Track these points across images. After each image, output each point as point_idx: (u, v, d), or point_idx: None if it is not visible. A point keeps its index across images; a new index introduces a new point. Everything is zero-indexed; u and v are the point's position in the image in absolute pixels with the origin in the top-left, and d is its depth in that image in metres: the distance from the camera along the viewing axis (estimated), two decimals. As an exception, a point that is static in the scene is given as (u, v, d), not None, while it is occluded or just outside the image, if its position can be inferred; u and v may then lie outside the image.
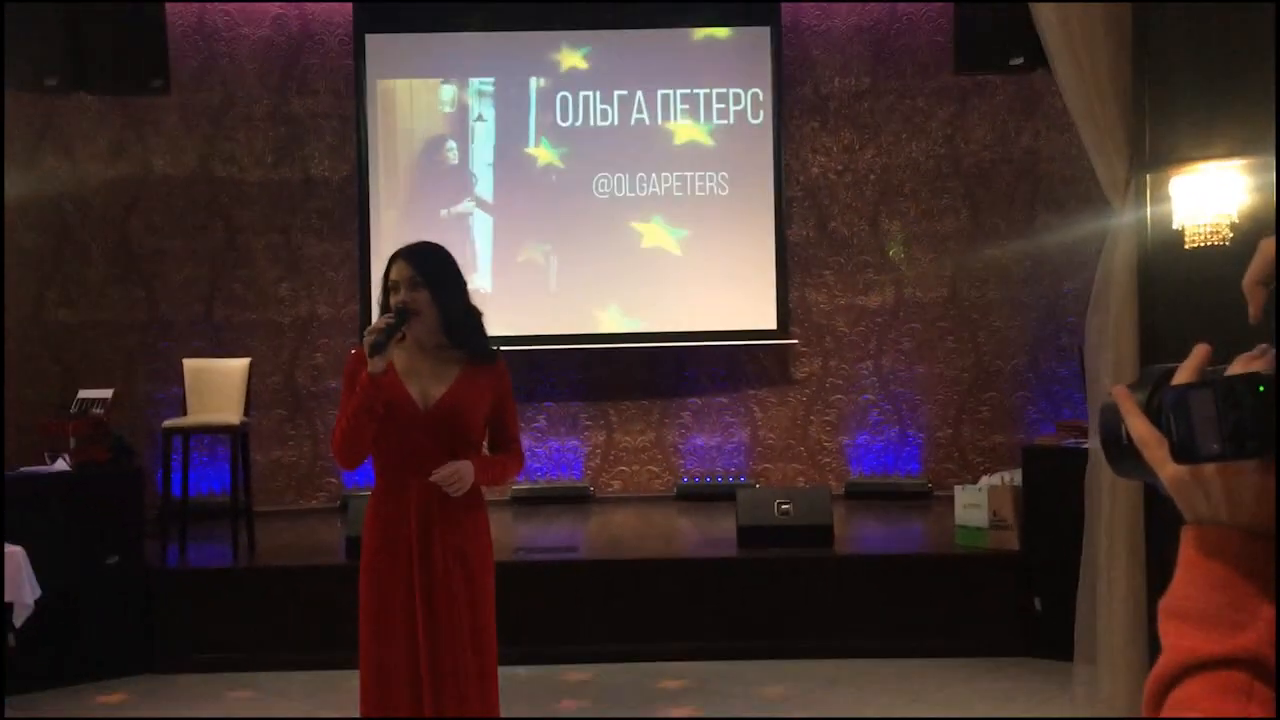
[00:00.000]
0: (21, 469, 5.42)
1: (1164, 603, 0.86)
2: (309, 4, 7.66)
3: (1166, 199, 3.55)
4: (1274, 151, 3.25)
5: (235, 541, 5.90)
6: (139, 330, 7.42)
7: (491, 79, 7.70)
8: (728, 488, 7.21)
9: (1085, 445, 4.60)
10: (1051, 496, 5.17)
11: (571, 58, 7.70)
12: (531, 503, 7.54)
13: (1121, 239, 3.64)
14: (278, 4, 7.63)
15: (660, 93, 7.68)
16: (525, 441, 7.65)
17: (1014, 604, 5.32)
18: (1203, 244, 3.39)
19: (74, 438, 5.44)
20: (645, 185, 7.68)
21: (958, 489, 5.81)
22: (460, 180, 7.70)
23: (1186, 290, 3.49)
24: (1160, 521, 3.58)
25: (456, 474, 2.79)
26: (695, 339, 7.65)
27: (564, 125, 7.69)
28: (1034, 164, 7.51)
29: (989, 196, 7.61)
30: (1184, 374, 0.86)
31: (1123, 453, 0.91)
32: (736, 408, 7.85)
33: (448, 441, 2.84)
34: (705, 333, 7.65)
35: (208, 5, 7.50)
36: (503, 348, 7.43)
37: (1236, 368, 0.85)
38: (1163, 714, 0.80)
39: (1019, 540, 5.42)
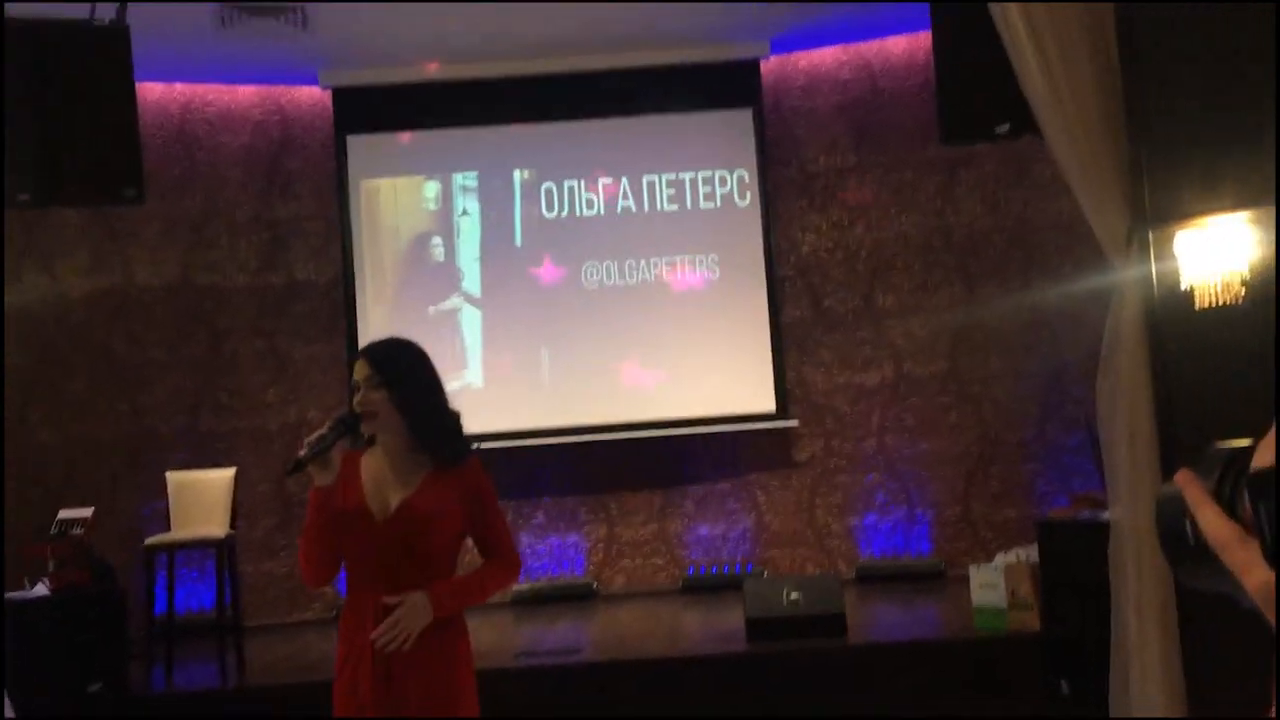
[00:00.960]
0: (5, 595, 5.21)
1: None
2: (289, 109, 7.64)
3: (1171, 256, 3.42)
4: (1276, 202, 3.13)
5: (223, 660, 5.66)
6: (124, 444, 7.24)
7: (475, 173, 7.65)
8: (734, 578, 6.99)
9: (1104, 517, 4.42)
10: (1071, 573, 4.97)
11: (553, 149, 7.66)
12: (533, 603, 7.30)
13: (1128, 296, 3.50)
14: (259, 112, 7.60)
15: (645, 178, 7.63)
16: (524, 539, 7.54)
17: (1039, 687, 5.07)
18: (1214, 304, 3.25)
19: (53, 560, 5.25)
20: (635, 273, 7.59)
21: (972, 569, 5.59)
22: (447, 276, 7.61)
23: (1201, 352, 3.34)
24: (1194, 599, 3.38)
25: (399, 623, 2.51)
26: (693, 425, 7.48)
27: (549, 216, 7.62)
28: (1027, 232, 7.42)
29: (982, 267, 7.52)
30: (1268, 452, 0.69)
31: (1189, 554, 0.74)
32: (739, 494, 7.65)
33: (408, 553, 2.61)
34: (703, 419, 7.48)
35: (188, 115, 7.47)
36: (497, 444, 7.33)
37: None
38: None
39: (1039, 620, 5.19)
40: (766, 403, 7.51)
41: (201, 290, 7.47)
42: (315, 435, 2.56)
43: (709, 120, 7.69)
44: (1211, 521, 0.70)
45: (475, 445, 2.78)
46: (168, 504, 6.03)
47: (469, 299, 7.60)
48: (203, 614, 6.72)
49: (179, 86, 7.46)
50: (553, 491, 7.65)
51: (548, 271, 7.60)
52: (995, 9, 3.80)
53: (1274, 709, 0.66)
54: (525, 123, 7.67)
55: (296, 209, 7.62)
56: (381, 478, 2.67)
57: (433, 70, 7.51)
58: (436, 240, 7.64)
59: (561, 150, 7.66)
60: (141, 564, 5.80)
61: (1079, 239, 6.98)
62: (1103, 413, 3.76)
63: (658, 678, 5.28)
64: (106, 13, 5.21)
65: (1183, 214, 3.38)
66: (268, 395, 7.48)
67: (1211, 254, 3.28)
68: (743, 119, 7.64)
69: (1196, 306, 3.32)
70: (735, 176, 7.64)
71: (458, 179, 7.65)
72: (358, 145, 7.58)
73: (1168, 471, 3.53)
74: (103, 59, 5.13)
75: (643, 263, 7.59)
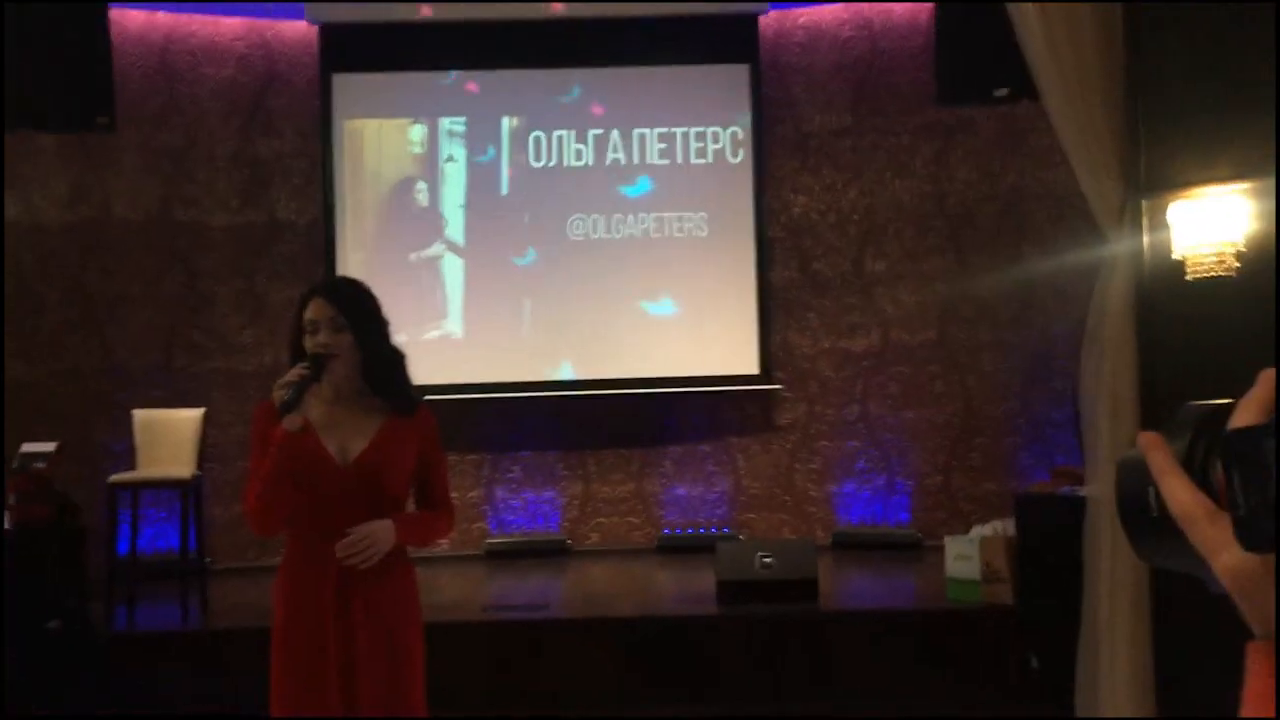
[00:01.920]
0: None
1: None
2: (275, 44, 7.45)
3: (1165, 226, 3.31)
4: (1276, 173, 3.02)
5: (184, 602, 5.58)
6: (94, 380, 7.12)
7: (463, 118, 7.49)
8: (710, 539, 6.91)
9: (1082, 493, 4.34)
10: (1047, 547, 4.90)
11: (543, 97, 7.49)
12: (507, 557, 7.23)
13: (1118, 270, 3.39)
14: (243, 45, 7.42)
15: (636, 131, 7.47)
16: (499, 493, 7.46)
17: (1009, 661, 5.02)
18: (1206, 274, 3.14)
19: (14, 494, 5.14)
20: (622, 227, 7.45)
21: (948, 540, 5.53)
22: (430, 222, 7.46)
23: (1189, 325, 3.24)
24: (1168, 579, 3.31)
25: (368, 538, 2.51)
26: (676, 385, 7.39)
27: (537, 165, 7.47)
28: (1019, 201, 7.30)
29: (974, 236, 7.40)
30: (1247, 413, 0.58)
31: (1151, 527, 0.63)
32: (719, 456, 7.57)
33: (369, 500, 2.57)
34: (686, 378, 7.38)
35: (170, 45, 7.29)
36: (475, 396, 7.23)
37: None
38: None
39: (1013, 593, 5.13)
40: (750, 365, 7.41)
41: (179, 226, 7.32)
42: (293, 376, 2.50)
43: (704, 74, 7.53)
44: (1177, 492, 0.60)
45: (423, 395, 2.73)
46: (134, 442, 5.92)
47: (452, 247, 7.46)
48: (169, 554, 6.63)
49: (161, 15, 7.27)
50: (530, 446, 7.56)
51: (533, 222, 7.46)
52: (998, -34, 3.67)
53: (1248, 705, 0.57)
54: (516, 68, 7.49)
55: (279, 147, 7.46)
56: (334, 423, 2.60)
57: (424, 11, 7.33)
58: (421, 185, 7.49)
59: (552, 99, 7.49)
60: (105, 502, 5.70)
61: (1072, 210, 6.87)
62: (1086, 386, 3.66)
63: (625, 637, 5.22)
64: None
65: (1179, 184, 3.27)
66: (243, 336, 7.36)
67: (1206, 225, 3.17)
68: (739, 74, 7.48)
69: (1188, 277, 3.21)
70: (729, 133, 7.49)
71: (444, 123, 7.49)
72: (343, 84, 7.40)
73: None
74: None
75: (630, 217, 7.46)
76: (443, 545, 7.35)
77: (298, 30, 7.45)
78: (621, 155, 7.48)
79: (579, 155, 7.48)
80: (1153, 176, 3.35)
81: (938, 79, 7.30)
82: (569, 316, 7.43)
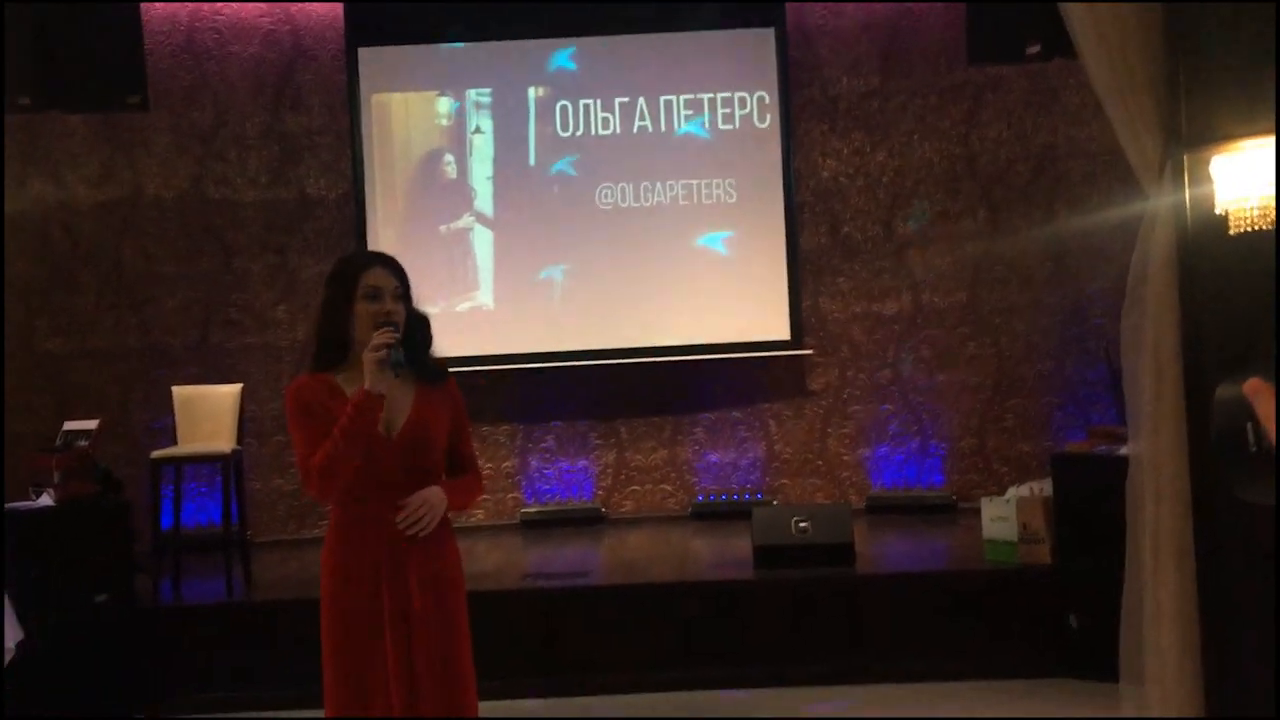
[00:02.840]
0: (5, 505, 5.19)
1: None
2: (300, 20, 7.45)
3: (1207, 180, 3.27)
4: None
5: (229, 574, 5.66)
6: (132, 358, 7.20)
7: (489, 89, 7.48)
8: (744, 505, 6.94)
9: (1120, 452, 4.32)
10: (1084, 507, 4.89)
11: (569, 65, 7.47)
12: (542, 526, 7.28)
13: (1158, 225, 3.36)
14: (268, 21, 7.42)
15: (663, 98, 7.45)
16: (533, 463, 7.50)
17: (1048, 622, 5.03)
18: (1250, 229, 3.11)
19: (58, 472, 5.22)
20: (650, 195, 7.44)
21: (984, 501, 5.52)
22: (459, 194, 7.47)
23: (1233, 281, 3.21)
24: (1211, 531, 3.30)
25: (426, 504, 2.57)
26: (706, 351, 7.39)
27: (564, 135, 7.46)
28: (1052, 160, 7.23)
29: (1007, 196, 7.34)
30: None
31: (1249, 461, 0.64)
32: (751, 422, 7.58)
33: (414, 469, 2.61)
34: (717, 345, 7.38)
35: (196, 25, 7.30)
36: (507, 367, 7.27)
37: None
38: None
39: (1051, 554, 5.13)
40: (781, 330, 7.40)
41: (212, 204, 7.37)
42: (387, 339, 2.51)
43: (730, 39, 7.48)
44: None
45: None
46: (174, 418, 5.98)
47: (481, 218, 7.47)
48: (210, 528, 6.72)
49: (187, -6, 7.28)
50: (563, 415, 7.59)
51: (562, 191, 7.46)
52: (1032, -82, 3.62)
53: None
54: (541, 38, 7.47)
55: (307, 122, 7.48)
56: None
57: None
58: (449, 158, 7.50)
59: (578, 67, 7.47)
60: (148, 477, 5.77)
61: (1106, 168, 6.82)
62: (1127, 344, 3.64)
63: (665, 602, 5.25)
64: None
65: (1220, 137, 3.23)
66: (277, 312, 7.41)
67: (1249, 179, 3.13)
68: (765, 38, 7.43)
69: (1231, 232, 3.18)
70: (755, 98, 7.44)
71: (471, 95, 7.48)
72: (369, 58, 7.41)
73: (1192, 405, 3.42)
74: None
75: (659, 184, 7.44)
76: (478, 515, 7.41)
77: (323, 5, 7.45)
78: (649, 123, 7.45)
79: (606, 124, 7.46)
80: (1193, 130, 3.32)
81: (968, 36, 7.22)
82: (598, 286, 7.43)
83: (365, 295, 2.61)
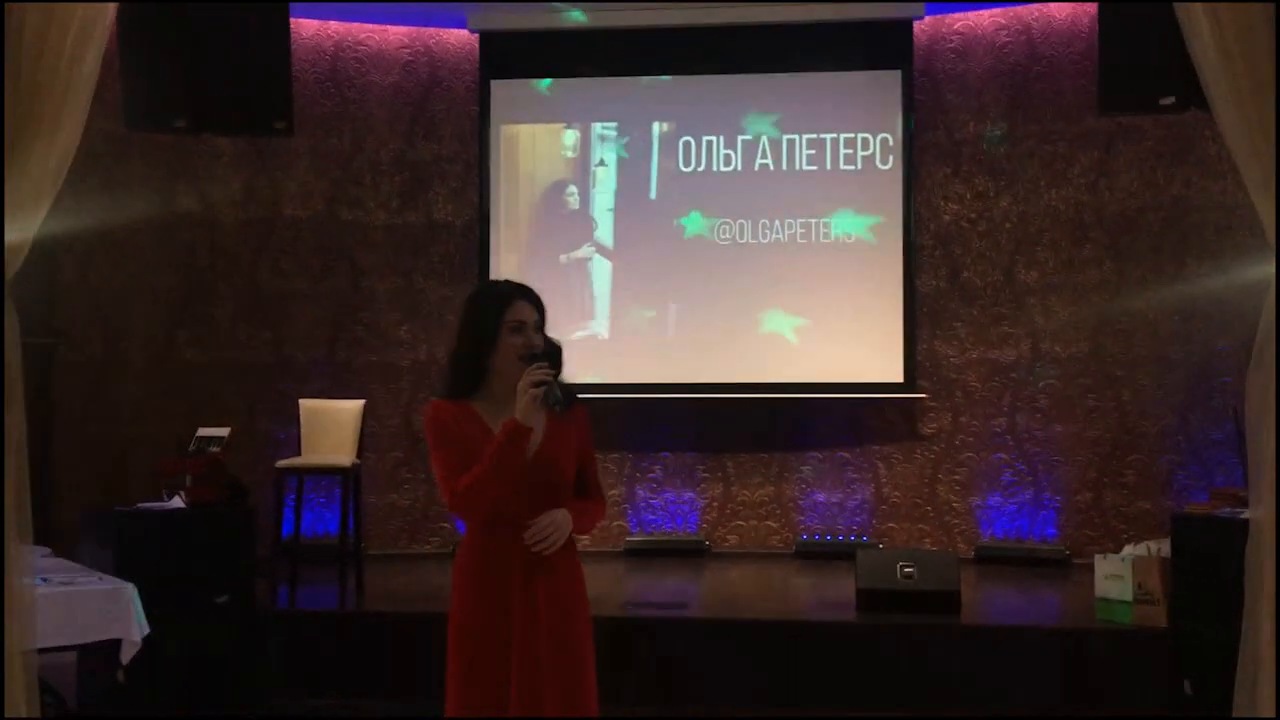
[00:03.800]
0: (138, 505, 5.47)
1: None
2: (437, 51, 7.73)
3: (1340, 242, 3.17)
4: None
5: (343, 584, 5.85)
6: (263, 370, 7.51)
7: (614, 123, 7.64)
8: (848, 547, 6.89)
9: (1244, 515, 4.18)
10: (1204, 570, 4.72)
11: (694, 103, 7.58)
12: (645, 555, 7.35)
13: (1288, 286, 3.27)
14: (408, 53, 7.72)
15: (786, 137, 7.50)
16: (640, 493, 7.58)
17: (1160, 686, 4.87)
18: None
19: (190, 476, 5.47)
20: (769, 232, 7.49)
21: (1098, 558, 5.38)
22: (580, 225, 7.64)
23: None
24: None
25: (554, 525, 2.65)
26: (818, 390, 7.38)
27: (686, 170, 7.56)
28: (1184, 212, 7.05)
29: (1135, 246, 7.17)
30: None
31: None
32: (860, 463, 7.53)
33: (545, 491, 2.70)
34: (828, 384, 7.37)
35: (341, 53, 7.63)
36: (619, 396, 7.36)
37: None
38: None
39: (1166, 616, 4.98)
40: (895, 373, 7.35)
41: (344, 225, 7.66)
42: (543, 375, 2.59)
43: (856, 80, 7.51)
44: None
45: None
46: (299, 430, 6.23)
47: (601, 249, 7.62)
48: (327, 538, 6.96)
49: (333, 25, 7.63)
50: (671, 447, 7.65)
51: (681, 226, 7.55)
52: (1167, -29, 3.57)
53: None
54: (667, 74, 7.61)
55: (437, 150, 7.74)
56: (504, 421, 2.69)
57: (579, 17, 7.51)
58: (572, 189, 7.67)
59: (703, 104, 7.58)
60: (272, 486, 6.01)
61: (1239, 222, 6.63)
62: (1251, 406, 3.54)
63: (765, 640, 5.26)
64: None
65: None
66: (400, 332, 7.66)
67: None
68: (891, 80, 7.43)
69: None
70: (879, 139, 7.45)
71: (596, 128, 7.65)
72: (501, 90, 7.64)
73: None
74: (260, -7, 5.27)
75: (778, 222, 7.49)
76: (584, 541, 7.49)
77: (459, 37, 7.73)
78: (770, 161, 7.51)
79: (728, 160, 7.54)
80: (1329, 190, 3.22)
81: (1100, 86, 7.07)
82: (713, 319, 7.50)
83: (511, 328, 2.71)
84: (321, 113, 7.62)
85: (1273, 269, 3.36)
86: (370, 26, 7.69)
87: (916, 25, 7.42)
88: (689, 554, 7.35)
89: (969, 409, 7.43)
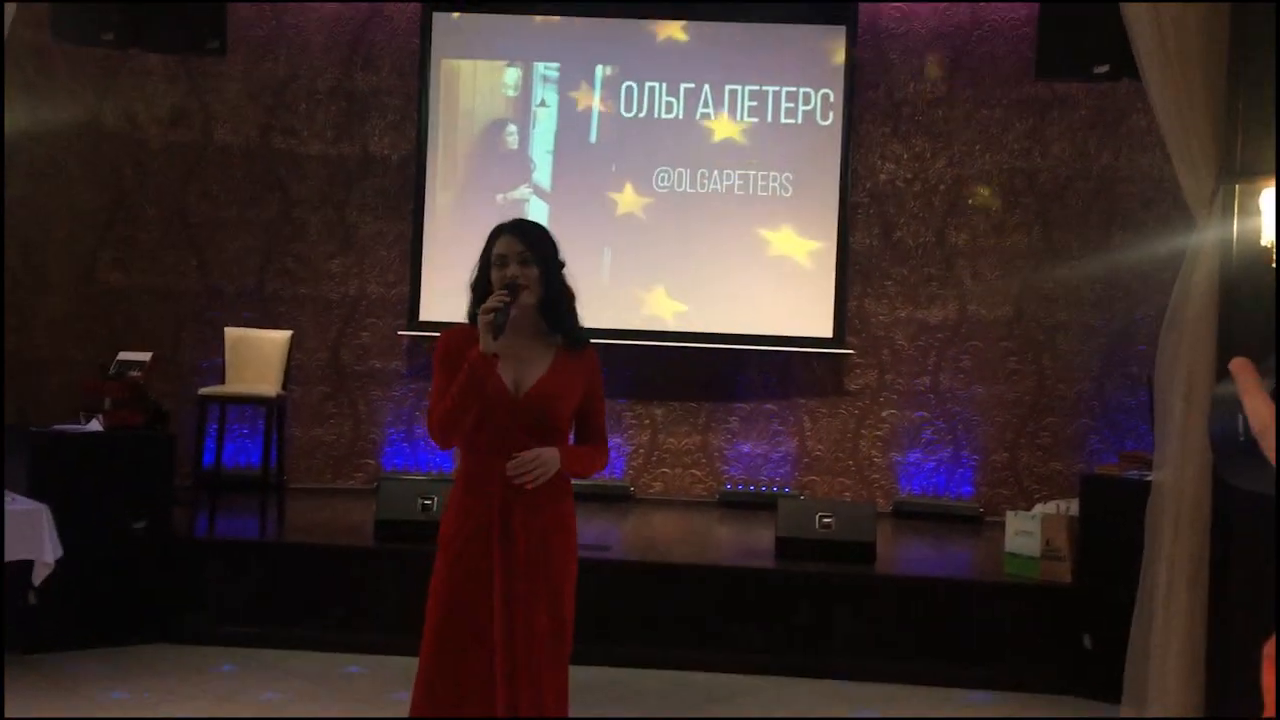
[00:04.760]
0: (55, 426, 5.37)
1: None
2: (379, -20, 7.58)
3: (1256, 213, 3.29)
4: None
5: (264, 515, 5.82)
6: (189, 298, 7.38)
7: (557, 64, 7.56)
8: (770, 497, 7.00)
9: (1149, 477, 4.34)
10: (1110, 529, 4.90)
11: (638, 47, 7.54)
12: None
13: (1204, 254, 3.38)
14: (349, -21, 7.56)
15: (728, 88, 7.49)
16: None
17: (1062, 639, 5.05)
18: (1293, 264, 3.13)
19: (109, 399, 5.38)
20: (707, 182, 7.50)
21: (1009, 514, 5.55)
22: (519, 166, 7.58)
23: (1270, 309, 3.23)
24: (1227, 559, 3.32)
25: (537, 460, 2.66)
26: (747, 342, 7.45)
27: (627, 116, 7.53)
28: (1113, 183, 7.20)
29: (1063, 214, 7.31)
30: None
31: (1238, 449, 0.72)
32: (786, 416, 7.63)
33: (537, 429, 2.72)
34: (758, 336, 7.44)
35: (278, -24, 7.45)
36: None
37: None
38: None
39: (1072, 573, 5.15)
40: (824, 328, 7.44)
41: (277, 153, 7.52)
42: (496, 302, 2.63)
43: (800, 34, 7.50)
44: (1259, 407, 0.68)
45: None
46: (224, 360, 6.15)
47: (538, 191, 7.57)
48: (249, 469, 6.89)
49: (272, -54, 7.42)
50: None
51: (619, 171, 7.53)
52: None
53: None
54: (613, 18, 7.54)
55: (376, 81, 7.60)
56: (510, 355, 2.73)
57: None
58: (511, 128, 7.60)
59: (646, 50, 7.53)
60: (194, 414, 5.94)
61: (1165, 195, 6.77)
62: (1162, 370, 3.66)
63: (683, 584, 5.34)
64: None
65: (1273, 169, 3.24)
66: (331, 265, 7.56)
67: (1297, 214, 3.15)
68: (835, 36, 7.44)
69: (1272, 263, 3.19)
70: (820, 95, 7.47)
71: (539, 68, 7.57)
72: (443, 23, 7.52)
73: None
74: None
75: (716, 173, 7.49)
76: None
77: (402, -33, 7.57)
78: (711, 110, 7.50)
79: (669, 107, 7.52)
80: (1246, 160, 3.33)
81: (1037, 51, 7.19)
82: (648, 268, 7.51)
83: (495, 262, 2.77)
84: (257, 36, 7.44)
85: (1193, 238, 3.47)
86: (311, -50, 7.50)
87: (863, -18, 7.43)
88: (614, 499, 7.41)
89: (895, 367, 7.55)
